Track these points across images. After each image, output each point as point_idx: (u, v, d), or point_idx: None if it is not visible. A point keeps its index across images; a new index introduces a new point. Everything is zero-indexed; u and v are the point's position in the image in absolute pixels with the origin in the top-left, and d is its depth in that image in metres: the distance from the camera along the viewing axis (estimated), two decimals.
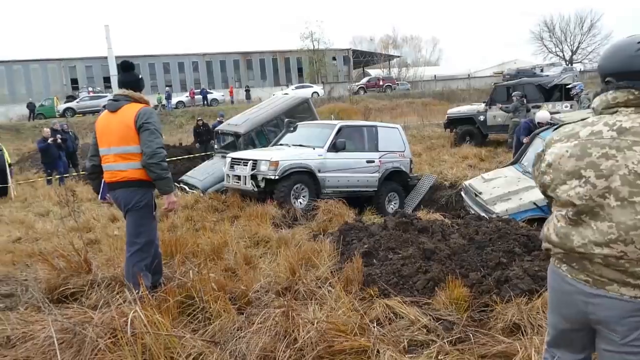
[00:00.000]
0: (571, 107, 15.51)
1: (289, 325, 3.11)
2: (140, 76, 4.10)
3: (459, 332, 3.41)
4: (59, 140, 13.93)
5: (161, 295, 3.69)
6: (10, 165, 13.14)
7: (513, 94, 14.98)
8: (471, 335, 3.25)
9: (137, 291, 3.63)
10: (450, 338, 3.31)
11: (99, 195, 4.27)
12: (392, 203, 10.12)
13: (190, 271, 4.37)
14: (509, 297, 3.73)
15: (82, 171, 15.01)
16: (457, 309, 3.75)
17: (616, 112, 1.79)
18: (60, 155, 14.15)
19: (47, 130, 14.23)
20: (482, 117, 16.31)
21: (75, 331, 3.08)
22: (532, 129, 9.55)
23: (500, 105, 15.39)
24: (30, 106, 33.98)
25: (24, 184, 14.21)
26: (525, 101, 14.56)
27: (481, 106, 16.97)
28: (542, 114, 9.85)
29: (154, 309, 3.22)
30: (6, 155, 12.68)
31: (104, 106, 4.13)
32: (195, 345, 3.09)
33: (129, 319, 2.86)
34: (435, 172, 11.71)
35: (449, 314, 3.71)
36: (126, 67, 4.00)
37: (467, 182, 8.60)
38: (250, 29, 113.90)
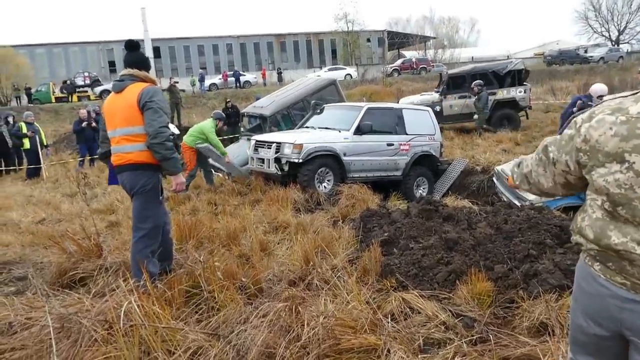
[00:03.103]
0: (525, 92, 15.76)
1: (292, 320, 2.91)
2: (146, 55, 3.94)
3: (479, 330, 3.15)
4: (94, 124, 14.02)
5: (166, 284, 3.56)
6: (46, 146, 13.36)
7: (474, 83, 14.62)
8: (491, 336, 2.97)
9: (139, 279, 3.51)
10: (470, 338, 3.05)
11: (108, 180, 4.16)
12: (421, 188, 9.79)
13: (201, 258, 4.23)
14: (537, 294, 3.44)
15: None
16: (480, 304, 3.48)
17: None
18: (95, 138, 14.26)
19: (83, 112, 14.27)
20: (438, 108, 15.73)
21: (73, 321, 2.97)
22: (582, 105, 8.63)
23: (472, 102, 14.95)
24: (69, 88, 34.53)
25: (56, 165, 14.46)
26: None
27: (435, 96, 16.44)
28: (599, 87, 8.60)
29: (153, 299, 3.08)
30: (42, 136, 12.87)
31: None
32: (195, 338, 2.93)
33: (122, 311, 2.71)
34: (467, 157, 11.26)
35: (470, 310, 3.44)
36: (131, 46, 3.84)
37: (499, 167, 8.19)
38: (284, 11, 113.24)
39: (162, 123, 3.63)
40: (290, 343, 2.77)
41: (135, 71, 3.76)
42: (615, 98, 1.65)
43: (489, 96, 15.19)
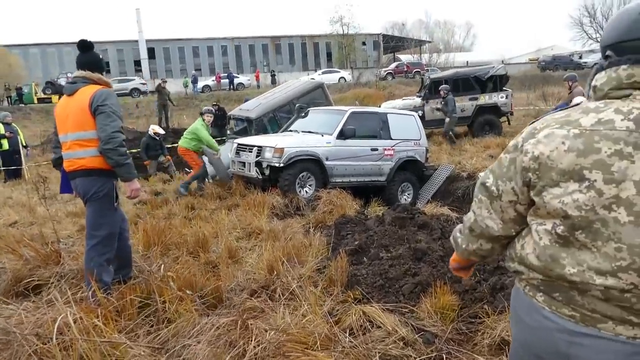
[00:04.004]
0: (506, 97, 15.54)
1: (239, 336, 2.78)
2: (100, 56, 3.78)
3: (439, 347, 3.03)
4: None
5: (119, 294, 3.43)
6: (25, 146, 13.16)
7: (440, 87, 14.47)
8: (445, 354, 2.84)
9: (89, 289, 3.38)
10: (428, 355, 2.93)
11: (60, 189, 4.02)
12: (406, 194, 9.67)
13: (162, 266, 4.10)
14: (502, 308, 3.32)
15: None
16: (443, 319, 3.36)
17: (629, 95, 1.34)
18: None
19: None
20: (420, 112, 15.56)
21: (10, 333, 2.83)
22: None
23: (438, 107, 14.87)
24: (52, 89, 34.27)
25: (42, 166, 14.25)
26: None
27: (417, 100, 16.32)
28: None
29: (98, 312, 2.94)
30: (21, 137, 12.69)
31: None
32: (138, 352, 2.79)
33: (56, 324, 2.57)
34: (453, 162, 11.14)
35: (433, 325, 3.32)
36: (84, 46, 3.67)
37: (483, 174, 8.08)
38: (279, 13, 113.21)
39: (115, 128, 3.47)
40: (234, 359, 2.64)
41: (87, 73, 3.60)
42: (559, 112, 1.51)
43: (471, 101, 15.17)
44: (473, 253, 1.67)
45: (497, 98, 15.59)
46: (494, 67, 16.65)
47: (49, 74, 47.24)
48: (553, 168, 1.35)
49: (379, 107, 15.78)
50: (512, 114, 16.28)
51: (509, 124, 16.11)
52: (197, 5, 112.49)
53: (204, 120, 9.23)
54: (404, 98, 18.66)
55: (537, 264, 1.42)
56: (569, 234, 1.35)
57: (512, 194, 1.47)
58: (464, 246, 1.68)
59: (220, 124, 14.98)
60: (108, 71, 41.98)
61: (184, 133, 9.41)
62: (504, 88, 15.92)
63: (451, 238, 1.78)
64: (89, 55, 3.67)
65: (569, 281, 1.36)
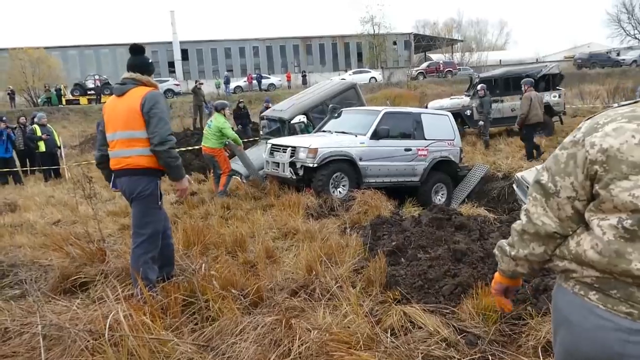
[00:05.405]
0: (559, 97, 15.17)
1: (283, 334, 2.81)
2: (150, 60, 3.90)
3: (482, 349, 3.00)
4: None
5: (163, 291, 3.51)
6: (59, 147, 13.61)
7: (478, 86, 14.16)
8: (491, 356, 2.82)
9: (138, 286, 3.47)
10: (471, 357, 2.91)
11: (111, 185, 4.14)
12: (439, 194, 9.59)
13: (203, 265, 4.17)
14: (546, 310, 3.26)
15: None
16: (485, 320, 3.32)
17: None
18: None
19: None
20: (468, 112, 15.24)
21: (64, 329, 2.93)
22: None
23: (474, 106, 14.59)
24: (98, 89, 35.08)
25: (82, 165, 14.67)
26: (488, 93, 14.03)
27: (465, 99, 16.03)
28: None
29: (145, 309, 3.02)
30: (56, 137, 13.14)
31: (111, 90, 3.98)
32: (185, 349, 2.86)
33: (108, 321, 2.65)
34: (488, 162, 10.99)
35: (475, 326, 3.29)
36: (136, 50, 3.82)
37: (519, 174, 7.94)
38: (311, 14, 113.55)
39: (169, 131, 3.65)
40: (280, 358, 2.67)
41: (137, 75, 3.72)
42: (619, 107, 1.48)
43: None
44: (522, 260, 1.60)
45: (550, 97, 15.15)
46: (546, 65, 16.32)
47: (86, 76, 48.51)
48: (623, 161, 1.34)
49: (426, 107, 15.71)
50: (564, 113, 15.93)
51: (562, 123, 15.73)
52: (229, 6, 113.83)
53: (224, 115, 9.05)
54: (452, 97, 18.44)
55: (599, 260, 1.40)
56: (638, 228, 1.33)
57: (570, 190, 1.46)
58: (513, 253, 1.62)
59: (243, 123, 15.17)
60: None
61: (207, 132, 9.10)
62: (557, 87, 15.53)
63: (495, 249, 1.73)
64: (138, 59, 3.81)
65: (635, 276, 1.34)
